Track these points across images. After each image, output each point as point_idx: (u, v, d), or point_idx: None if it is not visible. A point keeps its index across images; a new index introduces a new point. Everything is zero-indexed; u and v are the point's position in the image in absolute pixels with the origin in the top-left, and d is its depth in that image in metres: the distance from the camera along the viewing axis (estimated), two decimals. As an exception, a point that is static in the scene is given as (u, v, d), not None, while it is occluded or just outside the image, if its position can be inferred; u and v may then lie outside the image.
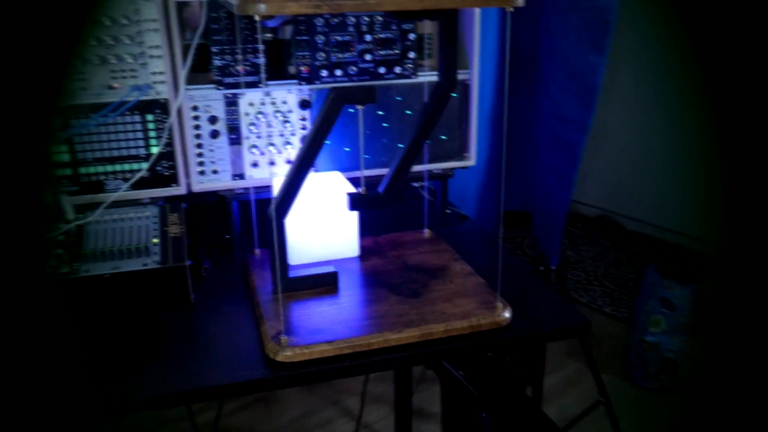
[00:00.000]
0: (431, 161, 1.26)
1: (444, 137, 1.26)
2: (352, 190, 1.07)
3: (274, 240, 0.95)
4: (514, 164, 1.79)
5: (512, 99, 1.72)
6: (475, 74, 1.25)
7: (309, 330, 0.91)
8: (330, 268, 1.05)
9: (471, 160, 1.29)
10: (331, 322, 0.94)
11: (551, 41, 1.56)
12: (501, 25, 1.61)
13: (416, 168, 1.25)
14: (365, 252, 1.15)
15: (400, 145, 1.24)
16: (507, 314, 0.96)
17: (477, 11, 1.22)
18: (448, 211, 1.33)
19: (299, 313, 0.96)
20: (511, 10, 0.84)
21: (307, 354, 0.88)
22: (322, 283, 1.03)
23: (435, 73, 1.22)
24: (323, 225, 1.11)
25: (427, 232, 1.22)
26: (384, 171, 1.21)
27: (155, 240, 1.02)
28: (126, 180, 1.13)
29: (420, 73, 1.22)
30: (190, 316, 1.00)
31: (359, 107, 0.97)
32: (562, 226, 1.63)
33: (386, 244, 1.19)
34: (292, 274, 1.02)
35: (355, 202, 1.01)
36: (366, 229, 1.23)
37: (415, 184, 1.33)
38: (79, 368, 0.79)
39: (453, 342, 0.92)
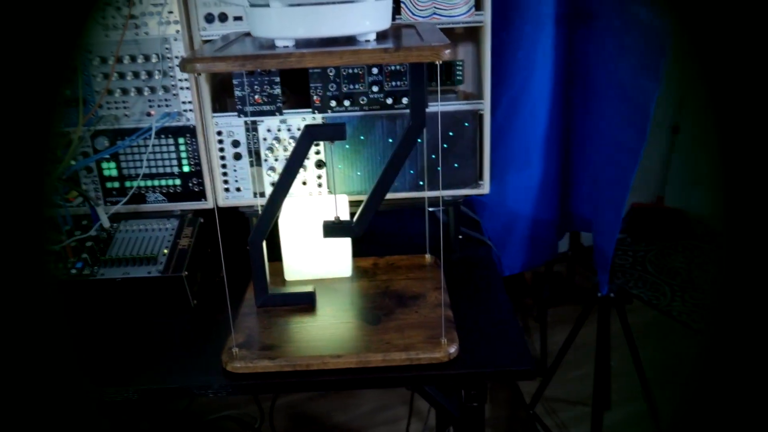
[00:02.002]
0: (445, 188, 1.30)
1: (457, 165, 1.29)
2: (346, 214, 1.16)
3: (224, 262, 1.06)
4: (574, 186, 1.74)
5: (569, 119, 1.67)
6: (487, 105, 1.25)
7: (263, 345, 1.02)
8: (309, 288, 1.14)
9: (485, 189, 1.30)
10: (287, 340, 1.03)
11: (607, 63, 1.50)
12: (556, 44, 1.57)
13: (430, 194, 1.30)
14: (358, 272, 1.23)
15: (411, 172, 1.29)
16: (451, 350, 0.99)
17: (487, 47, 1.22)
18: (461, 237, 1.36)
19: (266, 329, 1.07)
20: (439, 62, 0.87)
21: (251, 368, 0.98)
22: (300, 301, 1.13)
23: (450, 102, 1.26)
24: (318, 245, 1.20)
25: (428, 258, 1.27)
26: (391, 195, 1.28)
27: (165, 250, 1.18)
28: (163, 193, 1.30)
29: (431, 104, 1.25)
30: (184, 321, 1.14)
31: (329, 143, 1.05)
32: (611, 252, 1.56)
33: (384, 266, 1.25)
34: (272, 291, 1.13)
35: (327, 229, 1.09)
36: (379, 248, 1.31)
37: (432, 209, 1.37)
38: (77, 367, 0.95)
39: (390, 372, 0.97)
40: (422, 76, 1.01)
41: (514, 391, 2.26)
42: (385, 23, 0.95)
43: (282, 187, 1.05)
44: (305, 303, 1.12)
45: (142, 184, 1.29)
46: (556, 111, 1.63)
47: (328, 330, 1.06)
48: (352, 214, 1.14)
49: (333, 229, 1.09)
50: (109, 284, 1.13)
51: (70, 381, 0.80)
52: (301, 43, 0.92)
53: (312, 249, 1.20)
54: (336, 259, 1.21)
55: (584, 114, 1.65)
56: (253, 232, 1.08)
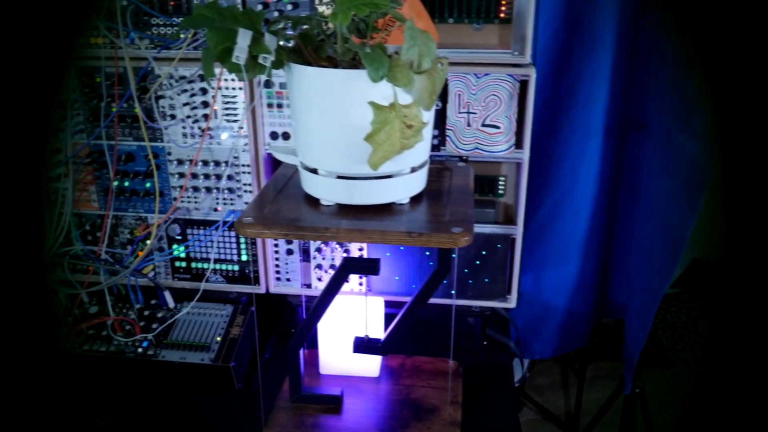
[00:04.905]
0: (474, 298, 1.41)
1: (487, 280, 1.39)
2: (381, 317, 1.30)
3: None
4: (613, 276, 1.80)
5: (615, 215, 1.73)
6: (519, 231, 1.35)
7: (289, 448, 1.17)
8: (337, 391, 1.28)
9: (512, 303, 1.41)
10: (310, 444, 1.18)
11: (650, 178, 1.55)
12: (604, 153, 1.64)
13: (462, 302, 1.41)
14: (386, 373, 1.36)
15: (444, 282, 1.41)
16: (451, 478, 1.11)
17: (524, 182, 1.31)
18: (486, 342, 1.46)
19: (295, 428, 1.22)
20: (455, 248, 0.98)
21: (276, 470, 1.14)
22: (329, 401, 1.27)
23: (484, 225, 1.36)
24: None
25: (452, 364, 1.38)
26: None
27: (218, 338, 1.34)
28: (223, 276, 1.47)
29: (467, 224, 1.36)
30: (227, 403, 1.31)
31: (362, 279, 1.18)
32: (637, 357, 1.63)
33: (410, 367, 1.38)
34: (306, 387, 1.28)
35: (357, 346, 1.23)
36: (410, 342, 1.44)
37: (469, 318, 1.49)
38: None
39: (394, 491, 1.11)
40: (449, 252, 1.12)
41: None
42: (418, 188, 1.07)
43: (320, 308, 1.19)
44: (333, 403, 1.27)
45: (206, 266, 1.46)
46: (599, 214, 1.70)
47: (348, 439, 1.20)
48: (387, 315, 1.27)
49: (362, 346, 1.22)
50: (168, 366, 1.31)
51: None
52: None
53: (346, 348, 1.34)
54: (366, 361, 1.35)
55: (629, 217, 1.71)
56: (291, 340, 1.23)
